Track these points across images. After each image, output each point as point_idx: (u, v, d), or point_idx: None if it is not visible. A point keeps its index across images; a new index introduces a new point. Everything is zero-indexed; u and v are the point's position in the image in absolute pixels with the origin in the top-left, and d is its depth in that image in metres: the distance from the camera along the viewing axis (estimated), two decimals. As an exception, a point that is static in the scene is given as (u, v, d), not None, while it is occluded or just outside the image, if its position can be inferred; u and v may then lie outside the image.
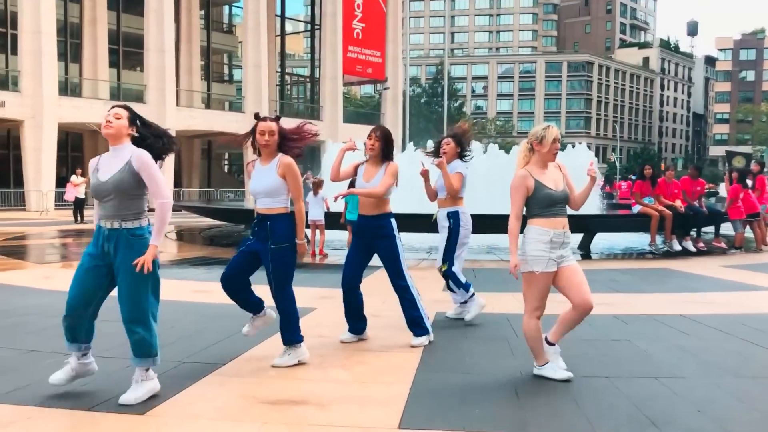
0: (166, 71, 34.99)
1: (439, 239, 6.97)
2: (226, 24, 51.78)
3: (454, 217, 6.73)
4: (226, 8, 50.95)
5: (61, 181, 32.29)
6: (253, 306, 5.49)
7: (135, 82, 38.82)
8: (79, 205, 23.23)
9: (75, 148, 38.70)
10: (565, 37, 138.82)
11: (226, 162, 56.92)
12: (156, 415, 4.12)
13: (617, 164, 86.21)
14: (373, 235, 5.94)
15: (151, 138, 4.49)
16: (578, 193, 4.91)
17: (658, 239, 12.95)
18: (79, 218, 23.02)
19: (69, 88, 35.87)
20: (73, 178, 23.65)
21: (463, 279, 6.81)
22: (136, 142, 4.43)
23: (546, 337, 4.87)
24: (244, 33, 40.09)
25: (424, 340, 5.88)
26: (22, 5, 30.49)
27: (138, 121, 4.47)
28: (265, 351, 5.60)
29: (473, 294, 6.83)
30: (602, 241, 14.01)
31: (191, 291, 8.62)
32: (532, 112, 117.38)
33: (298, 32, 58.80)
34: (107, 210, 4.32)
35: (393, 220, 5.99)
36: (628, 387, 4.64)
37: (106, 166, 4.36)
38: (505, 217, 10.38)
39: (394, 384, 4.74)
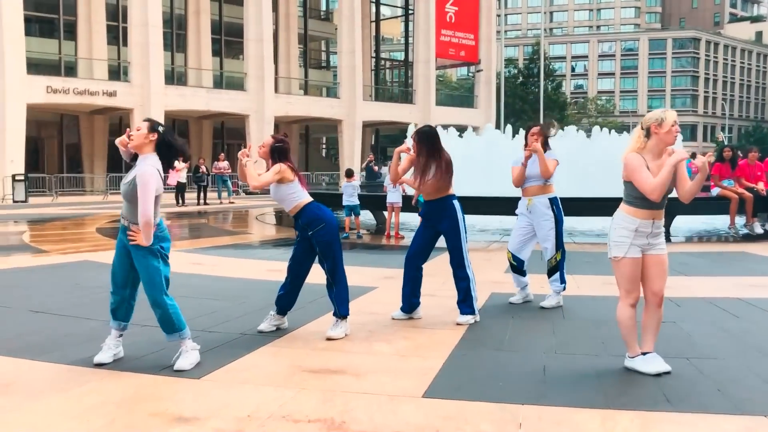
0: (265, 60, 36.15)
1: (518, 224, 7.02)
2: (324, 11, 52.75)
3: (556, 204, 6.84)
4: (323, -5, 51.97)
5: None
6: (288, 305, 6.01)
7: (237, 70, 40.23)
8: (180, 190, 24.51)
9: (181, 134, 40.11)
10: (670, 12, 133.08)
11: (323, 146, 58.14)
12: (209, 380, 4.61)
13: (726, 143, 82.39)
14: (438, 216, 6.28)
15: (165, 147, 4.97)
16: (688, 187, 4.68)
17: (739, 222, 12.64)
18: (180, 201, 24.30)
19: (175, 77, 37.57)
20: (176, 163, 24.91)
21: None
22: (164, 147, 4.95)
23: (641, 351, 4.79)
24: (339, 20, 40.81)
25: (469, 318, 6.15)
26: (131, -1, 32.21)
27: (160, 129, 4.95)
28: (320, 326, 6.02)
29: (564, 288, 6.97)
30: (685, 223, 13.81)
31: (266, 270, 9.18)
32: (635, 91, 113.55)
33: (393, 17, 59.16)
34: (124, 209, 4.95)
35: (456, 202, 6.29)
36: (656, 366, 4.78)
37: (130, 172, 4.92)
38: (578, 200, 10.38)
39: (431, 358, 5.06)
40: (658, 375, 4.59)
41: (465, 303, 6.23)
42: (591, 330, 5.88)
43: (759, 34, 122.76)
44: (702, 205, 13.11)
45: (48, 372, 4.80)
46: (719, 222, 14.63)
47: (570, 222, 13.47)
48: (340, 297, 5.78)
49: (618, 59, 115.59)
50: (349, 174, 14.01)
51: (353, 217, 13.75)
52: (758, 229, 12.53)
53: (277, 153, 5.77)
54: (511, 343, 5.52)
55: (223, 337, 5.69)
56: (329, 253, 5.73)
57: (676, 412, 3.95)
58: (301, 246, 5.92)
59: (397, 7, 58.47)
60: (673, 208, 12.45)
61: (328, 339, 5.61)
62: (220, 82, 39.06)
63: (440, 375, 4.66)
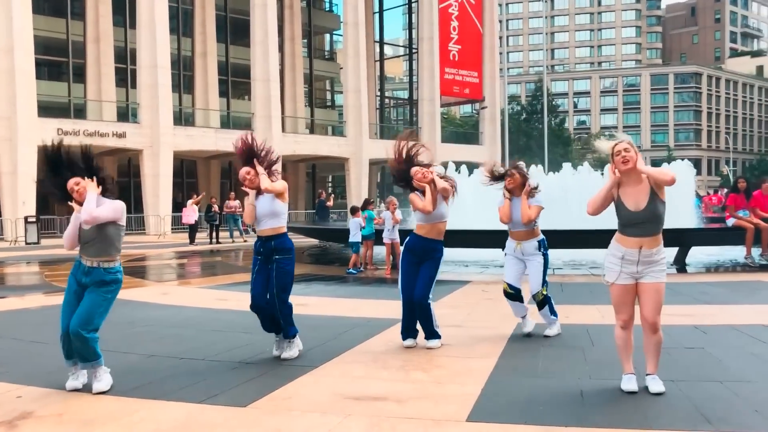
0: (272, 100, 36.57)
1: (510, 262, 7.09)
2: (328, 51, 53.57)
3: (543, 245, 7.02)
4: (327, 36, 52.75)
5: (177, 206, 34.29)
6: (278, 328, 6.21)
7: (243, 110, 40.71)
8: (192, 229, 24.69)
9: (189, 174, 40.87)
10: (671, 48, 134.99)
11: (330, 184, 58.50)
12: (255, 407, 4.72)
13: (731, 177, 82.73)
14: (427, 254, 6.49)
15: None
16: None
17: (755, 252, 12.74)
18: (192, 240, 24.46)
19: (183, 118, 38.00)
20: (188, 202, 25.21)
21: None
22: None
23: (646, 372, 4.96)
24: (344, 60, 41.41)
25: (437, 342, 6.44)
26: (140, 42, 32.72)
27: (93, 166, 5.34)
28: (355, 356, 6.15)
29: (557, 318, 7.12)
30: (699, 254, 13.92)
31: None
32: (638, 126, 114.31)
33: (397, 56, 60.07)
34: (89, 251, 5.21)
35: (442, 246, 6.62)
36: (691, 389, 4.89)
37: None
38: (586, 232, 10.60)
39: (468, 385, 5.17)
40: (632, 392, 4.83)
41: (430, 333, 6.46)
42: (612, 356, 5.96)
43: (760, 69, 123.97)
44: (718, 236, 13.24)
45: (96, 402, 4.92)
46: (735, 252, 14.76)
47: (587, 254, 13.76)
48: (288, 320, 6.12)
49: (620, 95, 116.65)
50: (353, 211, 14.21)
51: (363, 250, 13.92)
52: (774, 258, 12.67)
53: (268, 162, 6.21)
54: (545, 370, 5.62)
55: (261, 368, 5.80)
56: (288, 282, 6.09)
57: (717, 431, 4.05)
58: (262, 274, 6.14)
59: (399, 46, 59.48)
60: (688, 239, 12.64)
61: (284, 359, 5.99)
62: (227, 123, 39.51)
63: (480, 400, 4.77)
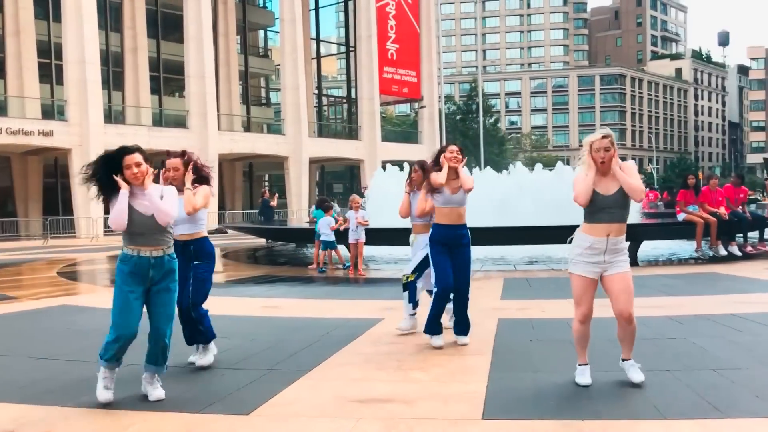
0: (207, 97, 35.72)
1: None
2: (262, 48, 52.88)
3: None
4: (261, 33, 52.07)
5: (108, 208, 33.14)
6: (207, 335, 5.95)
7: (176, 108, 39.75)
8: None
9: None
10: (596, 51, 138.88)
11: (266, 183, 57.78)
12: (259, 415, 4.54)
13: (654, 175, 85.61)
14: (457, 240, 6.42)
15: None
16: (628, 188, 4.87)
17: (704, 245, 13.22)
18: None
19: (113, 116, 36.77)
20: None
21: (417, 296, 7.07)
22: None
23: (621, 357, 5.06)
24: (281, 57, 40.93)
25: (467, 338, 6.44)
26: (66, 36, 31.25)
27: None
28: (346, 358, 6.03)
29: (414, 313, 7.06)
30: (650, 248, 14.32)
31: (261, 307, 9.04)
32: (567, 126, 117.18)
33: (334, 54, 59.76)
34: (151, 240, 4.86)
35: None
36: (689, 378, 4.99)
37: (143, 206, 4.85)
38: (552, 228, 10.75)
39: (471, 383, 5.14)
40: (585, 386, 4.87)
41: (466, 324, 6.47)
42: (612, 349, 5.97)
43: (678, 71, 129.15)
44: (669, 230, 13.65)
45: (85, 417, 4.63)
46: (685, 246, 15.20)
47: (543, 250, 13.94)
48: (207, 325, 5.88)
49: (549, 95, 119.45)
50: (326, 209, 13.91)
51: (331, 251, 13.70)
52: (722, 251, 13.18)
53: (199, 175, 5.82)
54: (543, 364, 5.65)
55: (251, 374, 5.59)
56: (204, 289, 5.83)
57: (730, 419, 4.16)
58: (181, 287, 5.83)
59: (335, 44, 59.28)
60: (640, 233, 12.94)
61: (201, 367, 5.75)
62: (159, 121, 38.40)
63: (489, 398, 4.74)
